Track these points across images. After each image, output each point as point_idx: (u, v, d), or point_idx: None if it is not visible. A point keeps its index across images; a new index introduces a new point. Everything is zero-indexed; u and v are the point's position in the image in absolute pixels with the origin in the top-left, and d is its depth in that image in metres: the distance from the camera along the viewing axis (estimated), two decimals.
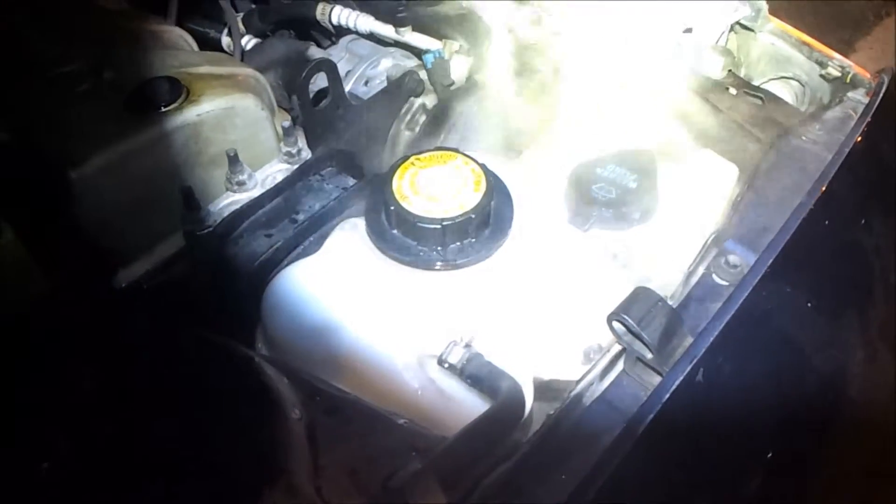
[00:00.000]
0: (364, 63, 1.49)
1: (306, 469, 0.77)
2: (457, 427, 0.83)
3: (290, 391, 0.83)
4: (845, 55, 1.33)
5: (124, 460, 0.78)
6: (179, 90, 1.11)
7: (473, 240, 1.02)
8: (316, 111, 1.23)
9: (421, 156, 1.07)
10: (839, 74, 1.27)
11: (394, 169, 1.05)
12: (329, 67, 1.22)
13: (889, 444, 1.04)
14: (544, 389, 0.99)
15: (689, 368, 0.79)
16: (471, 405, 0.93)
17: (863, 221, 1.08)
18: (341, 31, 1.58)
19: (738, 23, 1.37)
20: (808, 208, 0.96)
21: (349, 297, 1.01)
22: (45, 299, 0.96)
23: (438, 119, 1.39)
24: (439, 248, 1.01)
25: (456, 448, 0.81)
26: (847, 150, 1.06)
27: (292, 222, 1.12)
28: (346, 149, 1.27)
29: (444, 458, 0.79)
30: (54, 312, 0.94)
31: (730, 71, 1.30)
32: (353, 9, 1.54)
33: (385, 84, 1.42)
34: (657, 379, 0.81)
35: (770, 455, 0.86)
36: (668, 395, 0.77)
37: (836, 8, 3.49)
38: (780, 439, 0.88)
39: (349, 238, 1.07)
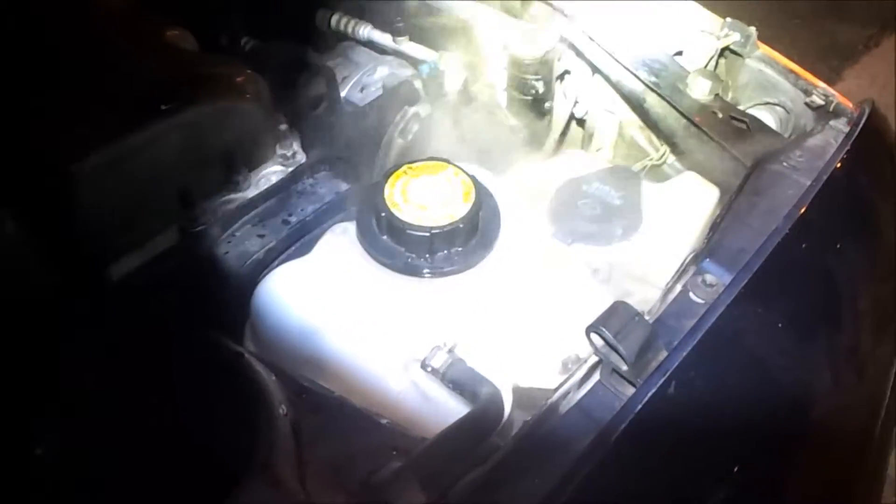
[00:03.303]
0: (360, 70, 1.51)
1: (290, 464, 0.79)
2: (437, 429, 0.86)
3: (277, 388, 0.85)
4: (834, 83, 1.35)
5: (111, 450, 0.80)
6: (179, 89, 1.12)
7: (460, 249, 1.05)
8: (312, 116, 1.25)
9: (413, 165, 1.09)
10: (823, 103, 1.28)
11: (386, 176, 1.08)
12: (327, 74, 1.24)
13: (850, 463, 1.07)
14: (523, 396, 1.02)
15: (662, 381, 0.82)
16: (451, 409, 0.96)
17: (837, 247, 1.11)
18: (340, 37, 1.60)
19: (727, 48, 1.40)
20: (784, 232, 0.99)
21: (337, 299, 1.03)
22: (43, 292, 0.98)
23: (431, 129, 1.41)
24: (427, 256, 1.04)
25: (435, 449, 0.83)
26: (825, 177, 1.09)
27: (285, 224, 1.14)
28: (340, 154, 1.29)
29: (424, 458, 0.81)
30: (51, 306, 0.96)
31: (717, 95, 1.33)
32: (353, 16, 1.57)
33: (381, 92, 1.44)
34: (631, 390, 0.83)
35: (736, 469, 0.88)
36: (640, 406, 0.80)
37: (827, 36, 3.55)
38: (747, 454, 0.90)
39: (339, 242, 1.09)
